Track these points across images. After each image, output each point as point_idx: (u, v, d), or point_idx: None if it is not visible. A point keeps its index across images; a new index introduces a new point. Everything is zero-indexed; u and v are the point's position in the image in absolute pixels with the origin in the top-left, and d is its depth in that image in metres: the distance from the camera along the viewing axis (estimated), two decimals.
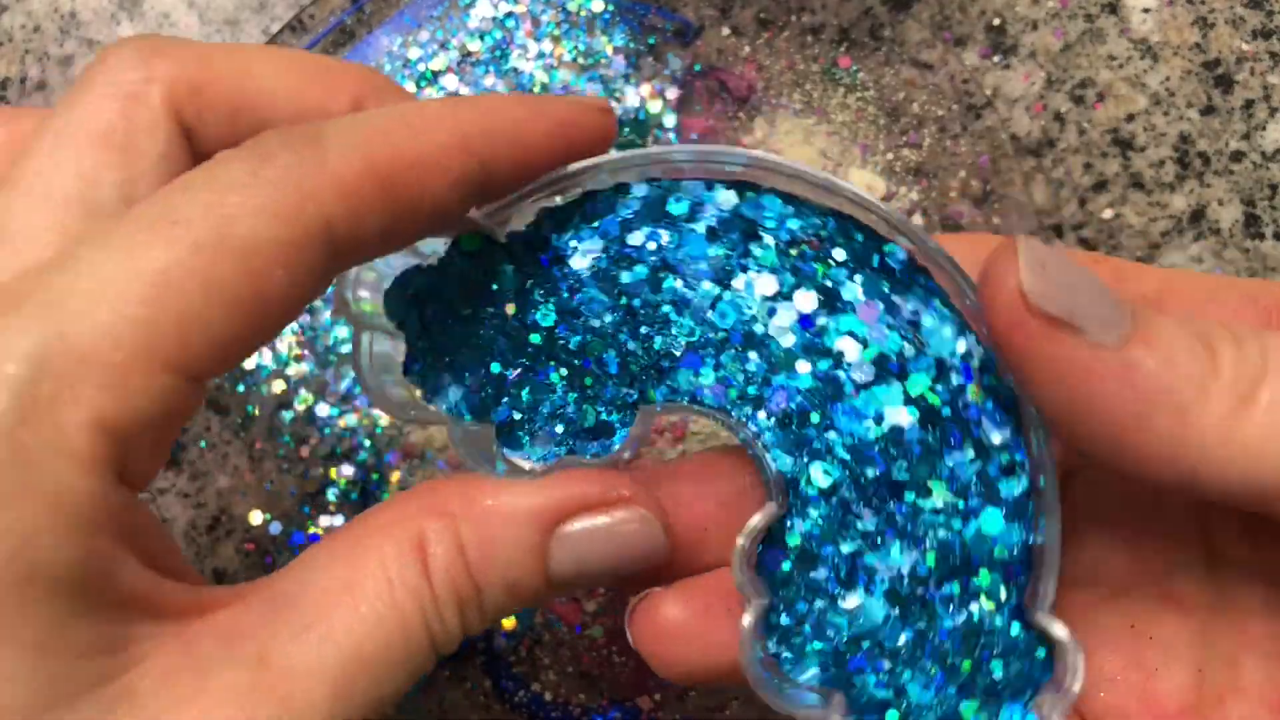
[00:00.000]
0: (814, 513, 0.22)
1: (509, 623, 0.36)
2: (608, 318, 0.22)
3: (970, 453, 0.22)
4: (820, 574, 0.22)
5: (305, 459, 0.37)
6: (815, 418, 0.22)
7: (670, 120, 0.36)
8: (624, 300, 0.22)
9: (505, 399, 0.22)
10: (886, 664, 0.22)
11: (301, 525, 0.37)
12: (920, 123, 0.36)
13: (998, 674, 0.22)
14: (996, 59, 0.36)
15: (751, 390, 0.22)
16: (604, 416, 0.22)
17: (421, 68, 0.36)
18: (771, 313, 0.22)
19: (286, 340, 0.37)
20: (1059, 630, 0.21)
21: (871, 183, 0.36)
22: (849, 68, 0.36)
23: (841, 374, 0.22)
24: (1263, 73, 0.35)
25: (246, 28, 0.37)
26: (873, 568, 0.22)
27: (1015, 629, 0.22)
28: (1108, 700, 0.22)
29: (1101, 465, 0.20)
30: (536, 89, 0.36)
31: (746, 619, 0.21)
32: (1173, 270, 0.25)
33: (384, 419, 0.37)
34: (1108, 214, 0.36)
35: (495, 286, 0.22)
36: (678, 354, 0.22)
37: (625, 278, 0.22)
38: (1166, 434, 0.18)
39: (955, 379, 0.22)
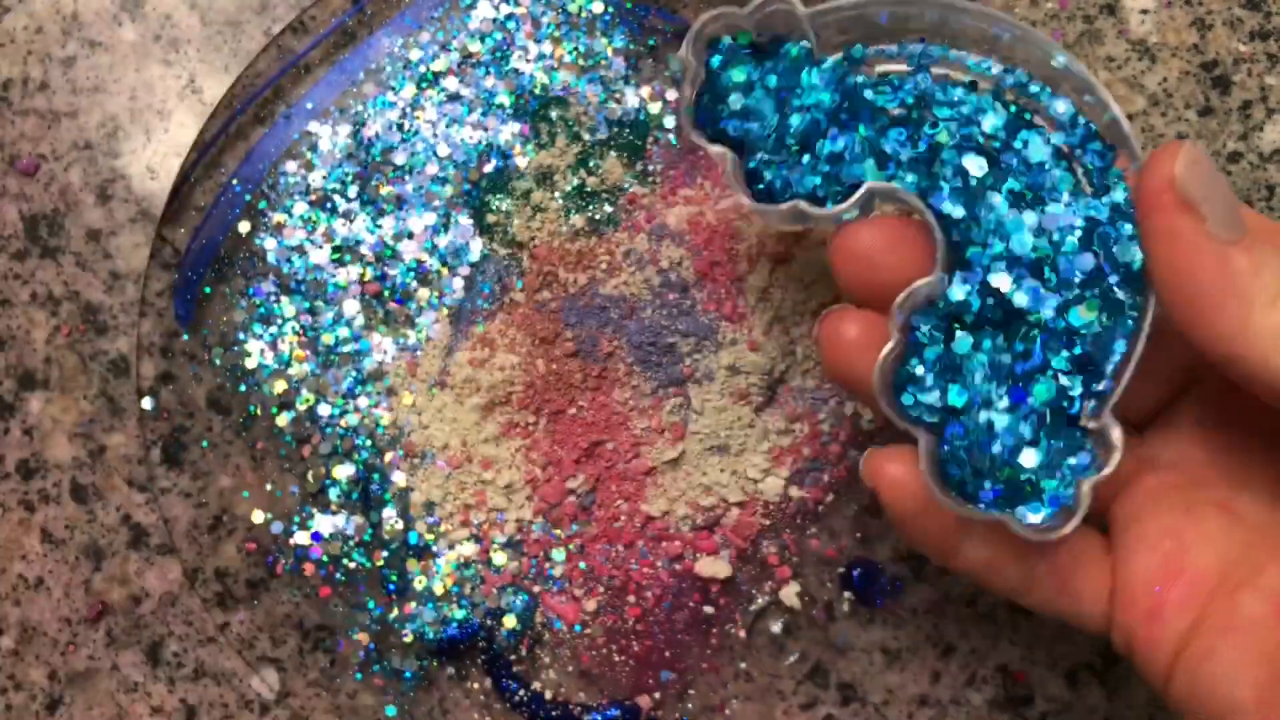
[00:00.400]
0: (952, 306, 0.28)
1: (509, 622, 0.36)
2: (861, 117, 0.28)
3: (1098, 298, 0.27)
4: (930, 350, 0.28)
5: (306, 459, 0.37)
6: (978, 234, 0.27)
7: (670, 122, 0.36)
8: (875, 110, 0.28)
9: (775, 156, 0.29)
10: (970, 428, 0.27)
11: (303, 525, 0.37)
12: None
13: (1055, 458, 0.27)
14: None
15: (949, 205, 0.27)
16: (837, 186, 0.28)
17: (422, 69, 0.37)
18: (979, 150, 0.27)
19: (288, 340, 0.37)
20: (1115, 431, 0.26)
21: None
22: None
23: (1024, 211, 0.27)
24: (1260, 74, 0.35)
25: (248, 29, 0.37)
26: (979, 357, 0.27)
27: (1075, 433, 0.27)
28: (1139, 556, 0.27)
29: (1178, 329, 0.25)
30: (537, 90, 0.36)
31: (885, 350, 0.27)
32: None
33: (385, 419, 0.37)
34: None
35: (803, 77, 0.29)
36: (902, 156, 0.28)
37: (881, 97, 0.28)
38: (1232, 320, 0.23)
39: (1110, 241, 0.26)
